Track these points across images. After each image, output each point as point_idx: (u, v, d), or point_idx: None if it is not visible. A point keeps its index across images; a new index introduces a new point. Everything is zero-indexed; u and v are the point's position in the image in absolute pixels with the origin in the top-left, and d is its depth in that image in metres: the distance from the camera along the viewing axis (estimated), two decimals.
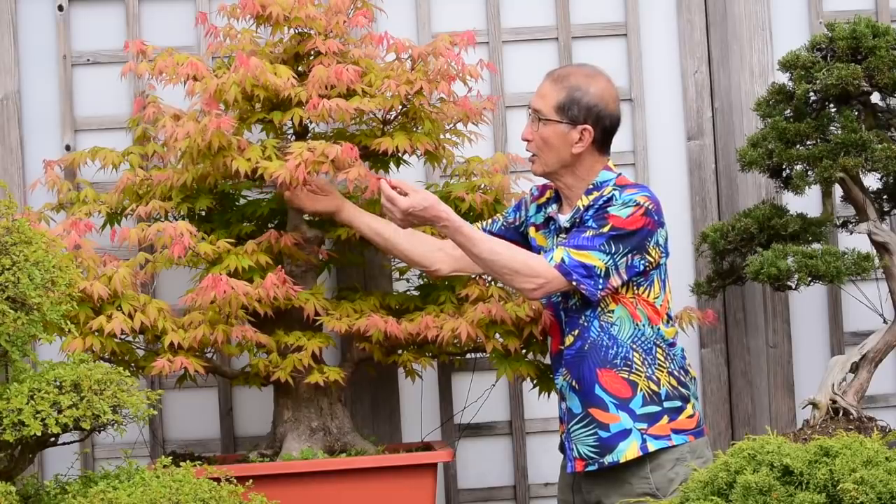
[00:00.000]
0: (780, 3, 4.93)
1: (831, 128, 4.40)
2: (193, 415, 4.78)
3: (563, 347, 3.95)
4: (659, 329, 3.91)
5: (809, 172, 4.37)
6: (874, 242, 4.45)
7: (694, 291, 4.64)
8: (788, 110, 4.46)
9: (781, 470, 2.81)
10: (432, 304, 4.27)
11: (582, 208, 3.89)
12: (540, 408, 4.72)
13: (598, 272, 3.79)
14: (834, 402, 4.36)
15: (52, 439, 3.47)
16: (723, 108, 4.88)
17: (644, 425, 3.85)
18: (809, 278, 4.34)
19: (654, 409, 3.86)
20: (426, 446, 4.39)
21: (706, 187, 4.88)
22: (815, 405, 4.37)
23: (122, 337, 4.09)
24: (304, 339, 4.16)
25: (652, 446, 3.83)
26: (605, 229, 3.81)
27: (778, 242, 4.40)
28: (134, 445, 4.58)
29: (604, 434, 3.85)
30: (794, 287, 4.42)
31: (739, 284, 4.69)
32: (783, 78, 4.53)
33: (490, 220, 4.16)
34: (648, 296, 3.89)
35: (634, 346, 3.87)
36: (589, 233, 3.81)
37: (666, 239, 3.93)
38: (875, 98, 4.46)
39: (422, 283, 4.53)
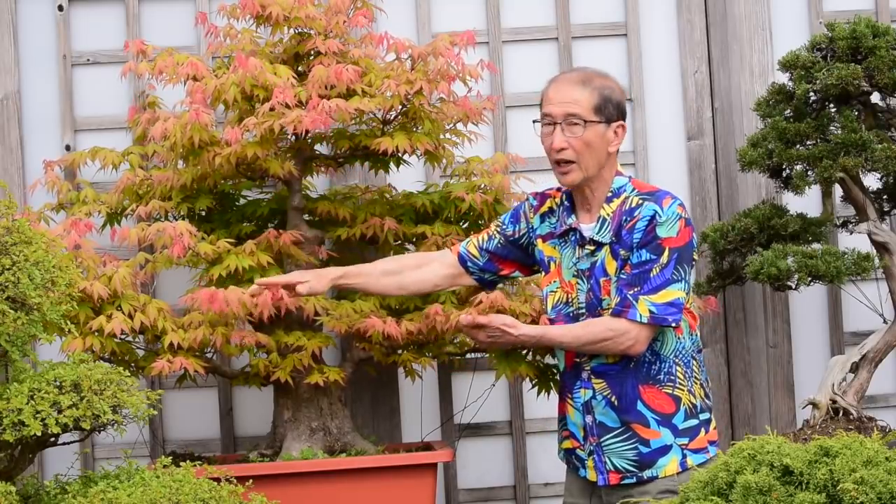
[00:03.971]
0: (780, 3, 4.93)
1: (831, 128, 4.40)
2: (193, 415, 4.78)
3: (579, 360, 3.85)
4: (696, 335, 3.87)
5: (809, 172, 4.37)
6: (874, 242, 4.45)
7: (694, 291, 4.64)
8: (788, 110, 4.46)
9: (781, 470, 2.81)
10: (432, 304, 4.27)
11: (609, 219, 3.79)
12: (540, 408, 4.72)
13: (682, 301, 3.76)
14: (834, 402, 4.36)
15: (52, 439, 3.47)
16: (723, 108, 4.88)
17: (685, 440, 3.80)
18: (809, 278, 4.34)
19: (694, 422, 3.82)
20: (426, 446, 4.39)
21: (706, 187, 4.88)
22: (815, 405, 4.37)
23: (122, 337, 4.09)
24: (304, 339, 4.17)
25: (691, 462, 3.78)
26: (665, 257, 3.74)
27: (778, 242, 4.40)
28: (134, 445, 4.58)
29: (644, 449, 3.79)
30: (794, 287, 4.42)
31: (739, 284, 4.69)
32: (783, 78, 4.53)
33: (485, 237, 4.02)
34: (687, 303, 3.83)
35: (676, 360, 3.81)
36: (655, 270, 3.73)
37: None
38: (875, 98, 4.46)
39: None
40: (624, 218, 3.78)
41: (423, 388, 4.77)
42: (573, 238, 3.87)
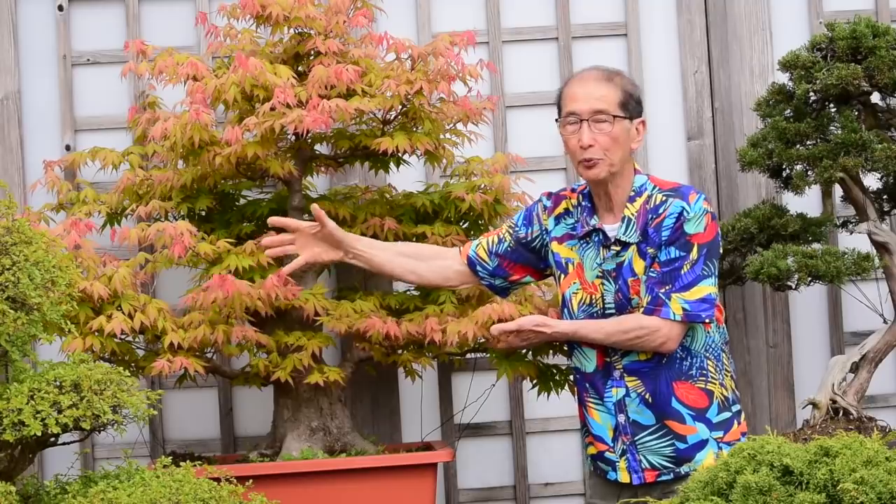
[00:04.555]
0: (780, 3, 4.93)
1: (831, 128, 4.40)
2: (193, 415, 4.78)
3: (610, 359, 3.82)
4: (723, 328, 3.87)
5: (809, 172, 4.37)
6: (874, 242, 4.45)
7: None
8: (788, 110, 4.46)
9: (781, 470, 2.81)
10: (432, 304, 4.27)
11: (634, 219, 3.77)
12: (540, 408, 4.72)
13: (714, 296, 3.76)
14: (834, 402, 4.36)
15: (52, 439, 3.47)
16: (723, 108, 4.88)
17: (720, 433, 3.80)
18: (809, 278, 4.34)
19: (727, 415, 3.82)
20: (426, 446, 4.39)
21: (706, 187, 4.88)
22: (815, 405, 4.37)
23: (122, 337, 4.09)
24: (304, 339, 4.17)
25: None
26: (695, 253, 3.73)
27: (778, 242, 4.40)
28: (134, 445, 4.59)
29: (681, 445, 3.79)
30: (794, 287, 4.42)
31: (739, 284, 4.69)
32: (783, 78, 4.54)
33: (495, 239, 3.98)
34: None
35: (707, 355, 3.81)
36: (685, 267, 3.73)
37: None
38: (875, 98, 4.46)
39: None
40: (649, 216, 3.77)
41: (423, 388, 4.77)
42: (596, 239, 3.83)
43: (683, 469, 3.79)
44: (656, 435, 3.80)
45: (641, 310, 3.76)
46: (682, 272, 3.74)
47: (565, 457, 4.86)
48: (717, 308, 3.83)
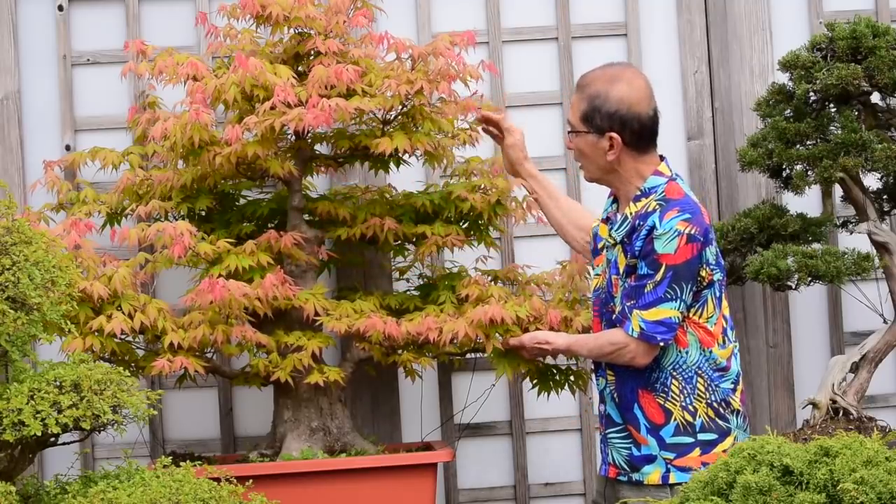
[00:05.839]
0: (780, 3, 4.93)
1: (831, 128, 4.40)
2: (193, 415, 4.78)
3: None
4: (711, 353, 3.76)
5: (809, 172, 4.37)
6: (874, 242, 4.45)
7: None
8: (788, 110, 4.46)
9: (781, 470, 2.81)
10: (432, 304, 4.27)
11: (630, 218, 3.74)
12: (540, 408, 4.72)
13: (675, 320, 3.69)
14: (834, 402, 4.36)
15: (52, 439, 3.48)
16: (723, 108, 4.88)
17: (671, 455, 3.73)
18: (809, 278, 4.34)
19: (686, 440, 3.74)
20: (426, 446, 4.39)
21: (706, 187, 4.88)
22: (815, 405, 4.37)
23: (122, 337, 4.09)
24: (304, 339, 4.17)
25: (674, 478, 3.71)
26: (661, 274, 3.66)
27: (778, 242, 4.40)
28: (134, 445, 4.58)
29: (636, 452, 3.77)
30: (794, 287, 4.42)
31: (739, 284, 4.69)
32: (783, 78, 4.54)
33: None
34: (700, 317, 3.74)
35: (674, 374, 3.74)
36: (649, 286, 3.67)
37: (716, 255, 3.75)
38: (875, 98, 4.46)
39: (422, 283, 4.53)
40: (638, 222, 3.73)
41: (423, 388, 4.77)
42: (610, 227, 3.84)
43: (634, 476, 3.77)
44: (621, 434, 3.80)
45: (614, 316, 3.78)
46: (646, 290, 3.69)
47: (565, 457, 4.86)
48: (705, 330, 3.75)
